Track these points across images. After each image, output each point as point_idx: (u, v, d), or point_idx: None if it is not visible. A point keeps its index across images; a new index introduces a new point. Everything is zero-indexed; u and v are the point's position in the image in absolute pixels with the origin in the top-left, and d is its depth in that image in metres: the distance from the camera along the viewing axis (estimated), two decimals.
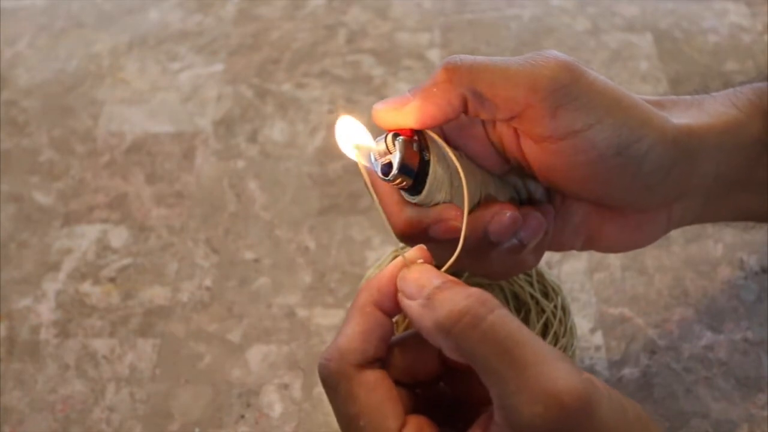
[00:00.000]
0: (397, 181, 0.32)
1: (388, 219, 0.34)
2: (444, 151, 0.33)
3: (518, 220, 0.33)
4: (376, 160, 0.32)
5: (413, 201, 0.33)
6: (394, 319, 0.32)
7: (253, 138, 0.64)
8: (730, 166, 0.35)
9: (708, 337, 0.50)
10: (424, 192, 0.32)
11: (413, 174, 0.32)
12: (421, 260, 0.31)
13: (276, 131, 0.64)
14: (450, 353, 0.29)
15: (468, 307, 0.28)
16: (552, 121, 0.32)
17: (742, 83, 0.37)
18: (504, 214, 0.33)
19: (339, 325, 0.52)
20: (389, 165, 0.32)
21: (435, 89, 0.32)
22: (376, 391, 0.30)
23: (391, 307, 0.31)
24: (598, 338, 0.50)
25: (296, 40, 0.72)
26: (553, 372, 0.27)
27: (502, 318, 0.28)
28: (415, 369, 0.32)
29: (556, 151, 0.33)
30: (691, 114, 0.35)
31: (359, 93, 0.67)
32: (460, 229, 0.32)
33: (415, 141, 0.32)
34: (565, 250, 0.38)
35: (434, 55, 0.69)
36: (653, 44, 0.69)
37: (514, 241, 0.34)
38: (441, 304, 0.29)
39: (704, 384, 0.48)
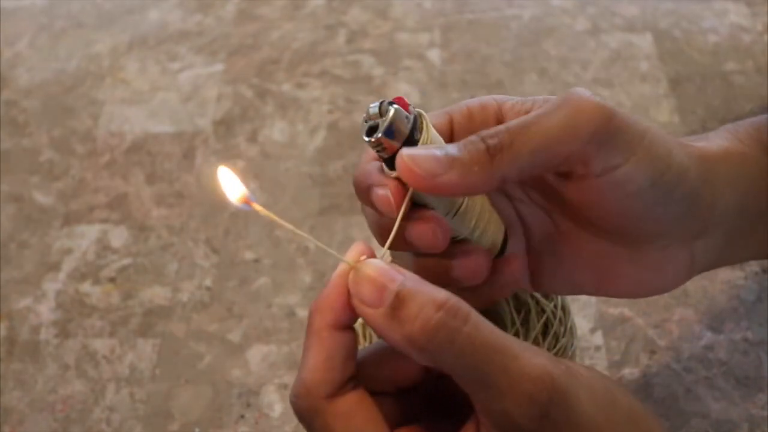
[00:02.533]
0: (379, 146, 0.30)
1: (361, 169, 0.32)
2: (439, 144, 0.32)
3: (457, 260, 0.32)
4: (365, 121, 0.30)
5: (393, 176, 0.31)
6: (356, 324, 0.30)
7: (253, 138, 0.64)
8: (749, 198, 0.34)
9: (708, 337, 0.50)
10: None
11: (398, 143, 0.30)
12: (365, 257, 0.29)
13: (276, 131, 0.64)
14: (422, 362, 0.28)
15: (442, 321, 0.26)
16: (590, 162, 0.31)
17: (738, 120, 0.37)
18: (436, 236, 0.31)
19: None
20: (374, 129, 0.30)
21: (476, 168, 0.29)
22: (354, 418, 0.28)
23: (348, 320, 0.29)
24: (598, 338, 0.50)
25: (296, 40, 0.72)
26: (529, 363, 0.26)
27: (477, 327, 0.27)
28: (394, 377, 0.31)
29: (590, 187, 0.32)
30: (703, 145, 0.35)
31: (359, 93, 0.67)
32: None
33: (409, 118, 0.30)
34: (575, 292, 0.37)
35: (434, 55, 0.69)
36: (653, 44, 0.69)
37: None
38: (410, 318, 0.27)
39: (704, 384, 0.48)
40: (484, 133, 0.30)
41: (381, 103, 0.30)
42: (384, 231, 0.32)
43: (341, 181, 0.60)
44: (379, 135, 0.30)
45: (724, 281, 0.53)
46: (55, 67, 0.71)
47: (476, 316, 0.27)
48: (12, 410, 0.49)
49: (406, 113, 0.30)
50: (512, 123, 0.30)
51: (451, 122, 0.33)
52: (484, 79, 0.67)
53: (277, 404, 0.49)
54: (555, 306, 0.44)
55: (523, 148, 0.30)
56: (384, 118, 0.30)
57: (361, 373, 0.30)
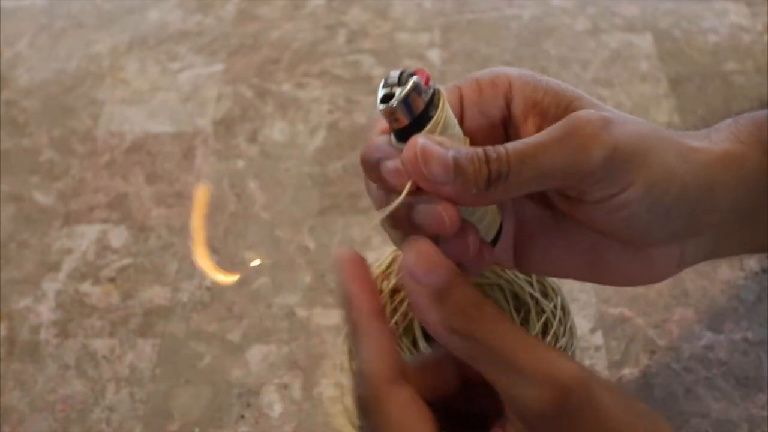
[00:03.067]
0: (391, 115, 0.29)
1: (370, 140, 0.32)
2: (452, 125, 0.31)
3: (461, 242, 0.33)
4: (383, 87, 0.30)
5: (397, 146, 0.31)
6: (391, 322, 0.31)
7: (253, 138, 0.64)
8: (745, 199, 0.34)
9: (708, 337, 0.50)
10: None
11: (411, 116, 0.30)
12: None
13: (276, 131, 0.64)
14: (452, 349, 0.29)
15: (476, 315, 0.28)
16: (586, 193, 0.31)
17: (738, 114, 0.37)
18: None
19: (339, 325, 0.52)
20: (390, 97, 0.29)
21: (474, 190, 0.30)
22: (410, 409, 0.29)
23: (381, 315, 0.31)
24: (598, 338, 0.50)
25: (296, 40, 0.72)
26: (554, 359, 0.28)
27: (502, 326, 0.29)
28: (434, 387, 0.31)
29: (584, 208, 0.32)
30: (705, 147, 0.35)
31: (359, 93, 0.67)
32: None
33: (427, 92, 0.30)
34: (561, 276, 0.37)
35: (434, 55, 0.69)
36: (653, 44, 0.69)
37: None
38: (453, 304, 0.29)
39: (704, 384, 0.48)
40: (490, 153, 0.30)
41: (402, 72, 0.29)
42: (392, 214, 0.32)
43: (341, 181, 0.60)
44: (394, 104, 0.29)
45: (724, 281, 0.52)
46: (55, 67, 0.71)
47: (508, 322, 0.29)
48: (12, 410, 0.49)
49: (425, 87, 0.29)
50: (515, 150, 0.30)
51: (461, 97, 0.33)
52: None
53: (277, 404, 0.49)
54: (555, 306, 0.44)
55: (521, 179, 0.30)
56: (402, 88, 0.29)
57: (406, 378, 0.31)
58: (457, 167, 0.29)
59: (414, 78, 0.29)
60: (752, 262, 0.53)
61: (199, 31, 0.73)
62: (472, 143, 0.33)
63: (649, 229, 0.33)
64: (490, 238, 0.34)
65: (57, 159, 0.64)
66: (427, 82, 0.30)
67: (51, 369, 0.51)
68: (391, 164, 0.30)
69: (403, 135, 0.30)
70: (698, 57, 0.67)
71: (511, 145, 0.30)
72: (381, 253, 0.55)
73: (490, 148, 0.30)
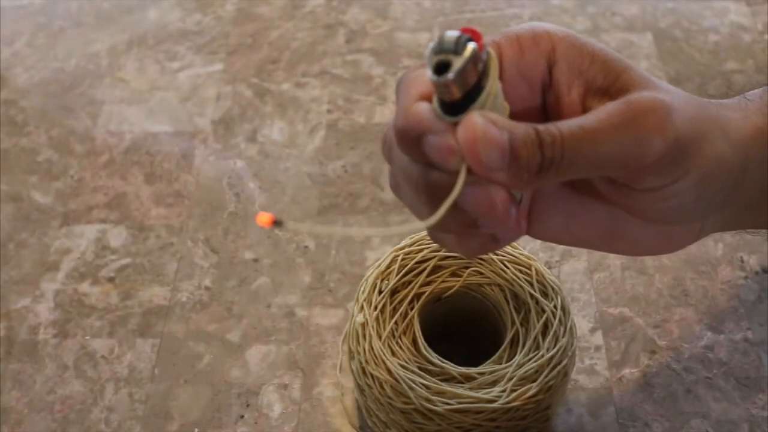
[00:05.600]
0: (444, 87, 0.27)
1: (404, 101, 0.29)
2: (498, 94, 0.29)
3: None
4: (435, 53, 0.27)
5: (448, 121, 0.28)
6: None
7: (252, 138, 0.64)
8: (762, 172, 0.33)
9: (708, 337, 0.50)
10: (461, 117, 0.28)
11: (465, 89, 0.27)
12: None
13: (275, 131, 0.64)
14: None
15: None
16: (638, 183, 0.30)
17: (743, 90, 0.36)
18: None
19: (339, 325, 0.52)
20: (444, 66, 0.27)
21: (525, 175, 0.28)
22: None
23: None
24: (598, 338, 0.50)
25: (296, 40, 0.71)
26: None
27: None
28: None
29: (629, 195, 0.31)
30: (742, 126, 0.33)
31: (359, 93, 0.66)
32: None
33: (482, 60, 0.27)
34: (573, 244, 0.35)
35: None
36: (653, 44, 0.68)
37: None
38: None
39: (704, 384, 0.48)
40: (545, 137, 0.28)
41: (459, 36, 0.27)
42: (433, 191, 0.29)
43: (341, 180, 0.60)
44: (450, 77, 0.26)
45: (724, 281, 0.52)
46: (53, 66, 0.71)
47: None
48: (10, 410, 0.49)
49: (480, 54, 0.27)
50: (571, 135, 0.28)
51: (500, 56, 0.31)
52: None
53: (276, 404, 0.49)
54: (555, 306, 0.44)
55: (575, 167, 0.28)
56: (460, 57, 0.26)
57: None
58: (512, 151, 0.27)
59: (472, 45, 0.26)
60: (752, 262, 0.53)
61: (198, 30, 0.73)
62: (510, 110, 0.31)
63: (688, 213, 0.32)
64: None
65: (56, 159, 0.64)
66: (481, 47, 0.27)
67: (50, 369, 0.51)
68: (439, 140, 0.28)
69: (451, 108, 0.28)
70: (698, 56, 0.67)
71: (566, 129, 0.28)
72: (381, 252, 0.55)
73: (543, 131, 0.28)
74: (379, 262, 0.47)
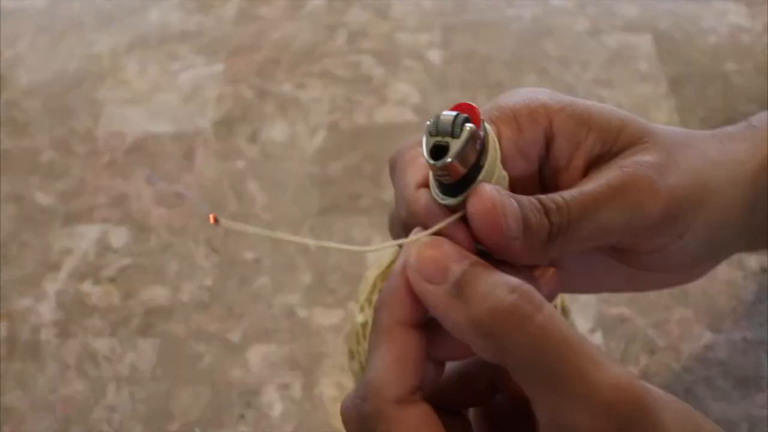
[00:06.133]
0: (443, 171, 0.26)
1: (402, 191, 0.28)
2: (497, 166, 0.28)
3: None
4: (431, 134, 0.26)
5: (441, 201, 0.27)
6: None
7: (253, 138, 0.64)
8: None
9: (707, 337, 0.50)
10: (460, 198, 0.27)
11: (465, 168, 0.26)
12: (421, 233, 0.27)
13: (276, 131, 0.64)
14: (482, 351, 0.25)
15: (515, 304, 0.23)
16: (640, 246, 0.30)
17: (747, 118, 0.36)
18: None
19: (339, 325, 0.52)
20: (441, 149, 0.26)
21: (536, 245, 0.27)
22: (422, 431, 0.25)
23: (419, 315, 0.26)
24: (598, 338, 0.50)
25: (296, 40, 0.72)
26: (611, 374, 0.23)
27: (553, 318, 0.24)
28: (462, 398, 0.28)
29: (641, 258, 0.31)
30: (748, 159, 0.32)
31: (359, 93, 0.67)
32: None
33: (480, 139, 0.26)
34: (603, 291, 0.35)
35: (434, 55, 0.69)
36: (653, 44, 0.69)
37: None
38: (478, 298, 0.24)
39: (704, 384, 0.48)
40: (549, 204, 0.27)
41: (456, 116, 0.26)
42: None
43: (341, 181, 0.60)
44: (449, 161, 0.25)
45: (724, 281, 0.53)
46: (55, 67, 0.71)
47: (552, 308, 0.24)
48: (12, 410, 0.49)
49: (478, 132, 0.26)
50: (575, 201, 0.27)
51: (499, 135, 0.29)
52: (484, 79, 0.67)
53: (277, 404, 0.49)
54: (555, 306, 0.44)
55: (581, 234, 0.28)
56: (458, 140, 0.25)
57: (428, 387, 0.27)
58: (524, 223, 0.26)
59: (469, 127, 0.26)
60: (752, 262, 0.53)
61: (199, 31, 0.73)
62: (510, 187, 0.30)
63: (700, 259, 0.32)
64: None
65: (57, 159, 0.64)
66: (478, 124, 0.26)
67: (52, 369, 0.51)
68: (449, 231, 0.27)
69: (451, 189, 0.27)
70: (698, 57, 0.67)
71: (567, 195, 0.27)
72: (381, 252, 0.55)
73: (546, 199, 0.27)
74: (379, 262, 0.47)
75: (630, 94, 0.65)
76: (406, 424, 0.25)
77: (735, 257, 0.53)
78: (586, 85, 0.65)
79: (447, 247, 0.26)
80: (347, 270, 0.55)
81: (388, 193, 0.59)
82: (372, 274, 0.46)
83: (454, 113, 0.26)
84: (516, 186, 0.29)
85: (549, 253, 0.27)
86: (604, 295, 0.52)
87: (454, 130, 0.26)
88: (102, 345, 0.52)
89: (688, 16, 0.71)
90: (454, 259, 0.25)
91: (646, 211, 0.28)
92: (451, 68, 0.68)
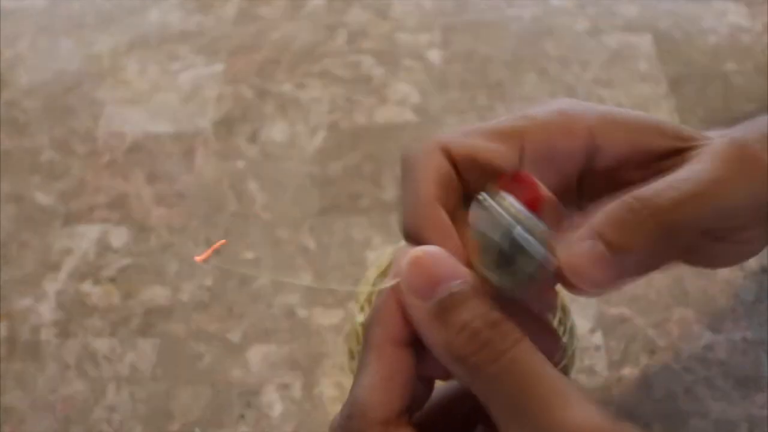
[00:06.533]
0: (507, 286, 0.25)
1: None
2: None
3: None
4: (501, 235, 0.24)
5: (492, 276, 0.25)
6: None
7: (253, 138, 0.64)
8: None
9: (707, 337, 0.50)
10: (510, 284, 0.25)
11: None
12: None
13: (276, 131, 0.64)
14: (455, 373, 0.25)
15: (490, 338, 0.23)
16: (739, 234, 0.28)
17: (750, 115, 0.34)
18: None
19: (339, 325, 0.52)
20: (509, 258, 0.24)
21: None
22: None
23: (410, 333, 0.25)
24: (597, 338, 0.50)
25: (296, 40, 0.72)
26: (579, 414, 0.23)
27: (527, 353, 0.23)
28: (445, 427, 0.27)
29: (717, 250, 0.28)
30: None
31: (359, 93, 0.67)
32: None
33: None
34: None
35: (434, 55, 0.69)
36: (653, 44, 0.69)
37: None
38: (457, 326, 0.24)
39: (704, 384, 0.48)
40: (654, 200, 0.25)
41: (535, 231, 0.24)
42: None
43: (341, 181, 0.60)
44: (513, 291, 0.24)
45: (724, 281, 0.53)
46: (55, 67, 0.71)
47: (529, 345, 0.24)
48: (13, 410, 0.49)
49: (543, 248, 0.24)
50: (682, 192, 0.25)
51: (522, 152, 0.27)
52: (484, 79, 0.67)
53: (277, 404, 0.49)
54: (556, 307, 0.44)
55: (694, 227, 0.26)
56: (526, 269, 0.24)
57: (416, 406, 0.26)
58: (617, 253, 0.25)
59: (541, 256, 0.24)
60: (752, 262, 0.53)
61: (199, 31, 0.73)
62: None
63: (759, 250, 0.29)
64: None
65: (57, 159, 0.64)
66: (540, 207, 0.24)
67: (52, 369, 0.51)
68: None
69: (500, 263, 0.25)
70: (698, 57, 0.67)
71: (679, 182, 0.25)
72: (381, 252, 0.55)
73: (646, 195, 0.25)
74: (379, 262, 0.47)
75: (630, 94, 0.65)
76: None
77: None
78: (586, 85, 0.65)
79: (443, 262, 0.25)
80: (347, 270, 0.55)
81: (388, 193, 0.59)
82: (372, 274, 0.46)
83: (530, 218, 0.24)
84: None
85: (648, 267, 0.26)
86: (604, 295, 0.52)
87: (529, 252, 0.24)
88: (102, 345, 0.52)
89: (688, 16, 0.71)
90: (446, 277, 0.24)
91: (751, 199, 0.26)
92: (451, 68, 0.68)
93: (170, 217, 0.59)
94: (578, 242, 0.25)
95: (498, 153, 0.27)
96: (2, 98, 0.69)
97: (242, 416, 0.48)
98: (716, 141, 0.27)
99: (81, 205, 0.60)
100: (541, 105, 0.28)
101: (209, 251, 0.27)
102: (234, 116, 0.66)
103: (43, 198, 0.61)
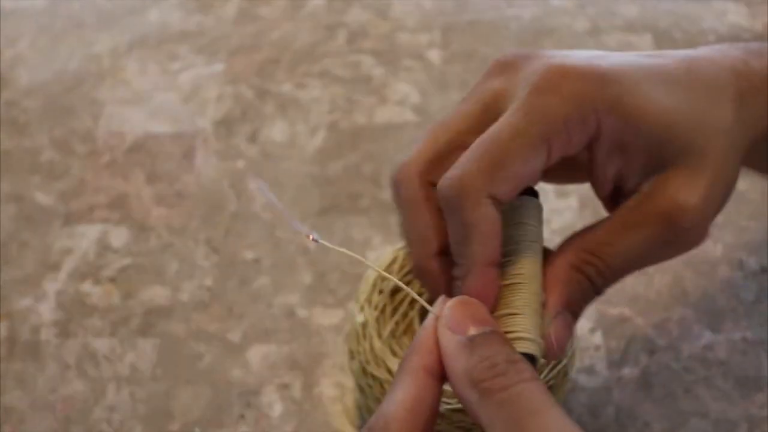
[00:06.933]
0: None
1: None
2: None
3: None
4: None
5: None
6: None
7: (253, 138, 0.64)
8: None
9: (707, 336, 0.50)
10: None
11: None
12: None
13: (276, 131, 0.64)
14: (464, 401, 0.27)
15: (505, 371, 0.26)
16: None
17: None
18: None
19: (339, 325, 0.52)
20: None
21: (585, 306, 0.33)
22: None
23: (441, 371, 0.28)
24: (597, 338, 0.50)
25: (296, 40, 0.72)
26: None
27: (531, 389, 0.26)
28: None
29: None
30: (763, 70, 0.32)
31: (359, 93, 0.67)
32: None
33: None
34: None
35: (434, 55, 0.69)
36: (653, 44, 0.69)
37: None
38: (482, 354, 0.27)
39: (703, 384, 0.48)
40: (598, 283, 0.31)
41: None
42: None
43: (341, 181, 0.60)
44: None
45: (724, 281, 0.53)
46: (55, 67, 0.71)
47: (540, 386, 0.26)
48: (12, 410, 0.49)
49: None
50: (616, 261, 0.31)
51: (549, 154, 0.30)
52: None
53: (277, 404, 0.49)
54: None
55: (615, 281, 0.32)
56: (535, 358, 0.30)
57: None
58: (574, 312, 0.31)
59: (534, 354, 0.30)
60: (752, 262, 0.53)
61: (199, 31, 0.73)
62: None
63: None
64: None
65: (57, 159, 0.64)
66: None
67: (51, 369, 0.51)
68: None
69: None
70: None
71: (620, 263, 0.31)
72: (381, 252, 0.55)
73: (599, 279, 0.31)
74: (379, 261, 0.47)
75: None
76: None
77: (735, 257, 0.53)
78: None
79: (478, 310, 0.29)
80: (347, 270, 0.55)
81: (388, 193, 0.58)
82: (372, 274, 0.46)
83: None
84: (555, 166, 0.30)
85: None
86: (604, 295, 0.52)
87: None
88: (102, 345, 0.52)
89: (688, 16, 0.71)
90: (479, 321, 0.28)
91: (685, 247, 0.31)
92: (451, 68, 0.68)
93: (170, 217, 0.59)
94: (554, 321, 0.30)
95: (533, 173, 0.30)
96: (2, 98, 0.69)
97: (242, 416, 0.48)
98: (658, 200, 0.30)
99: (81, 205, 0.60)
100: (558, 89, 0.29)
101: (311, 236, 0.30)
102: (234, 116, 0.66)
103: (43, 198, 0.61)
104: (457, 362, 0.27)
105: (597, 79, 0.29)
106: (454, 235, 0.30)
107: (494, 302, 0.30)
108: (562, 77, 0.29)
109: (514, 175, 0.29)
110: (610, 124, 0.29)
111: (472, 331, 0.28)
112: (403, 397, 0.27)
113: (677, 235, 0.30)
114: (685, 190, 0.30)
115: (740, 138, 0.31)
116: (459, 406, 0.40)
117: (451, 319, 0.28)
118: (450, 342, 0.28)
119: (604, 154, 0.30)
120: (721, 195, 0.31)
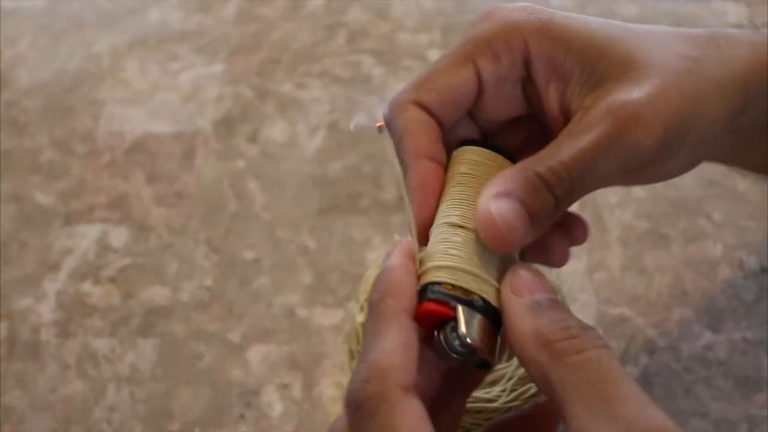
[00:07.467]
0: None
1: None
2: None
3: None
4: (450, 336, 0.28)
5: (455, 357, 0.29)
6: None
7: (253, 138, 0.64)
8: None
9: (707, 336, 0.50)
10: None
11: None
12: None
13: (276, 131, 0.64)
14: (529, 363, 0.27)
15: (579, 334, 0.26)
16: (639, 177, 0.32)
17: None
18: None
19: (339, 325, 0.52)
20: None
21: (546, 221, 0.30)
22: (421, 427, 0.25)
23: (415, 313, 0.28)
24: None
25: (296, 40, 0.72)
26: (646, 413, 0.24)
27: (608, 355, 0.26)
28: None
29: (633, 180, 0.33)
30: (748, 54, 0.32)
31: (359, 93, 0.67)
32: None
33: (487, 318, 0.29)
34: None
35: (434, 55, 0.69)
36: None
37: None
38: (552, 318, 0.27)
39: (703, 384, 0.48)
40: (550, 179, 0.28)
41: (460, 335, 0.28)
42: None
43: (341, 181, 0.60)
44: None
45: (724, 281, 0.53)
46: (55, 67, 0.71)
47: (613, 355, 0.26)
48: (12, 410, 0.49)
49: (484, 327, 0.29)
50: (574, 166, 0.29)
51: (478, 74, 0.31)
52: None
53: (277, 404, 0.49)
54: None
55: (580, 193, 0.29)
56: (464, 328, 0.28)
57: (429, 395, 0.29)
58: (530, 217, 0.28)
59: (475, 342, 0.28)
60: (752, 262, 0.53)
61: (199, 31, 0.73)
62: (493, 114, 0.32)
63: (684, 169, 0.33)
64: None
65: (57, 159, 0.64)
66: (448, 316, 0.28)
67: (51, 369, 0.51)
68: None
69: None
70: None
71: (567, 158, 0.29)
72: (381, 252, 0.55)
73: (546, 173, 0.28)
74: (379, 261, 0.47)
75: None
76: (408, 415, 0.25)
77: (735, 257, 0.53)
78: None
79: (541, 278, 0.29)
80: (347, 270, 0.55)
81: (388, 193, 0.59)
82: (372, 274, 0.46)
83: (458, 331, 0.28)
84: (509, 124, 0.31)
85: (555, 218, 0.29)
86: (604, 295, 0.52)
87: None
88: (102, 345, 0.52)
89: (688, 16, 0.71)
90: (544, 289, 0.28)
91: (642, 151, 0.29)
92: None
93: (170, 217, 0.59)
94: (504, 204, 0.28)
95: (460, 85, 0.31)
96: (2, 98, 0.69)
97: (242, 416, 0.48)
98: (607, 102, 0.29)
99: (81, 205, 0.60)
100: (486, 18, 0.31)
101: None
102: (234, 116, 0.66)
103: (43, 198, 0.61)
104: (525, 323, 0.27)
105: (529, 11, 0.31)
106: (396, 151, 0.31)
107: (439, 193, 0.30)
108: (498, 10, 0.31)
109: (439, 86, 0.30)
110: (537, 45, 0.30)
111: (537, 294, 0.28)
112: (393, 345, 0.26)
113: (623, 133, 0.29)
114: (626, 90, 0.29)
115: (706, 65, 0.31)
116: None
117: (516, 280, 0.28)
118: (517, 304, 0.27)
119: (543, 78, 0.31)
120: (675, 102, 0.29)
